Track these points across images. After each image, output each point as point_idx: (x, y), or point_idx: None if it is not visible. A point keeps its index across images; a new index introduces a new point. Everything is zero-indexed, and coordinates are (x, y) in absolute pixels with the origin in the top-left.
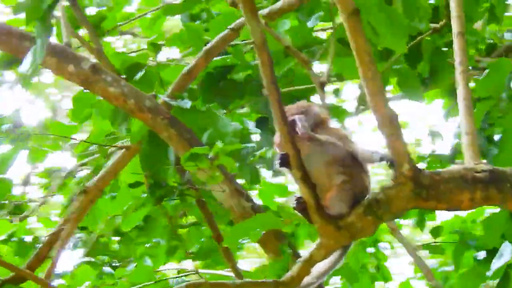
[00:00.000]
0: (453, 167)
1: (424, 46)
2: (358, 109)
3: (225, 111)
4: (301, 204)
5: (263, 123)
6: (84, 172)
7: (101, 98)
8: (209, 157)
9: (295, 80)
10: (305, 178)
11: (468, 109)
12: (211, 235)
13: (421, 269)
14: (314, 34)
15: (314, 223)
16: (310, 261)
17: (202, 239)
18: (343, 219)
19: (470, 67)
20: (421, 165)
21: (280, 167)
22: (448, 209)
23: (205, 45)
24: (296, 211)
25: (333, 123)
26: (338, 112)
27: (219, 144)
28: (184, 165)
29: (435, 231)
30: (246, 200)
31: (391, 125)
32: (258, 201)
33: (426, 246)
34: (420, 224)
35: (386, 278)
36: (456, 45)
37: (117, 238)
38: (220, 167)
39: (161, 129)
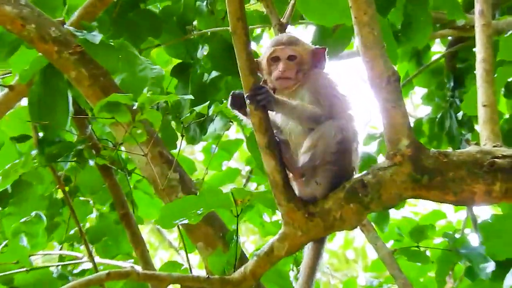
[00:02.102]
0: (466, 149)
1: None
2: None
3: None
4: (237, 99)
5: (183, 72)
6: None
7: None
8: (133, 108)
9: (249, 20)
10: (271, 147)
11: (488, 74)
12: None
13: (396, 280)
14: None
15: (278, 206)
16: (271, 256)
17: (93, 215)
18: (317, 204)
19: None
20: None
21: (232, 108)
22: (457, 203)
23: None
24: (232, 109)
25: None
26: None
27: (145, 92)
28: (98, 117)
29: (415, 233)
30: (174, 170)
31: (388, 88)
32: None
33: (404, 251)
34: (382, 221)
35: None
36: (478, 32)
37: None
38: (144, 123)
39: (67, 67)
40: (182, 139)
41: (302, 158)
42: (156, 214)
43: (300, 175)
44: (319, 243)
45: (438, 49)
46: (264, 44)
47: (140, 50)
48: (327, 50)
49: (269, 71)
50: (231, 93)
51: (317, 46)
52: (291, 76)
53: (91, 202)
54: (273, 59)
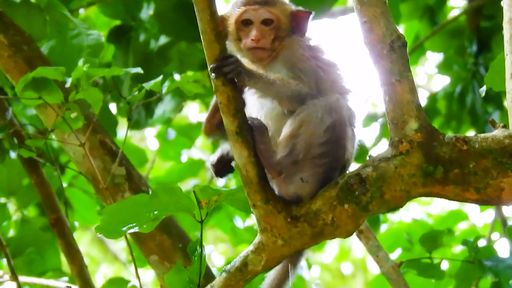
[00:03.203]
0: (491, 134)
1: None
2: None
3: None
4: (223, 162)
5: (122, 37)
6: None
7: None
8: (66, 86)
9: None
10: (243, 132)
11: None
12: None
13: None
14: None
15: (253, 208)
16: (244, 272)
17: (14, 218)
18: (302, 205)
19: None
20: None
21: (218, 177)
22: (480, 202)
23: None
24: (215, 175)
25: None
26: None
27: (81, 64)
28: (21, 97)
29: (428, 240)
30: (119, 163)
31: (391, 56)
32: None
33: (414, 264)
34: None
35: None
36: None
37: None
38: (80, 104)
39: None
40: (129, 124)
41: (280, 150)
42: (97, 219)
43: (277, 172)
44: (295, 256)
45: (457, 3)
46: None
47: (71, 10)
48: (312, 13)
49: (237, 36)
50: (211, 162)
51: (298, 8)
52: (266, 45)
53: (9, 205)
54: (244, 23)
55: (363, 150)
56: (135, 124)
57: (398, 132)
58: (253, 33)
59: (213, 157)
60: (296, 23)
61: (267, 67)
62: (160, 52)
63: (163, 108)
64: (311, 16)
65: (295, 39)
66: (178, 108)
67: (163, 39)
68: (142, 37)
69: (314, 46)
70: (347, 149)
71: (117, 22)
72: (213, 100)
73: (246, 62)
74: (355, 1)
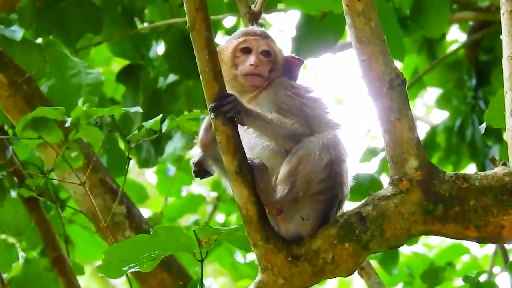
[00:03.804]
0: (491, 171)
1: None
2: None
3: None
4: (200, 166)
5: (131, 76)
6: None
7: None
8: (65, 125)
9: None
10: (244, 172)
11: None
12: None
13: None
14: None
15: (253, 247)
16: None
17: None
18: (302, 243)
19: None
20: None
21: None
22: (480, 239)
23: None
24: (194, 175)
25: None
26: None
27: (80, 103)
28: (21, 136)
29: (429, 276)
30: (119, 202)
31: (391, 94)
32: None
33: None
34: (388, 262)
35: None
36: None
37: None
38: (80, 143)
39: None
40: (128, 163)
41: (280, 188)
42: (98, 254)
43: (278, 211)
44: None
45: (456, 37)
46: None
47: (76, 50)
48: (304, 62)
49: (234, 63)
50: (193, 161)
51: (292, 55)
52: (263, 73)
53: (17, 245)
54: (243, 50)
55: (374, 183)
56: (144, 162)
57: (398, 170)
58: (253, 59)
59: (196, 157)
60: (289, 68)
61: (253, 99)
62: (169, 90)
63: (173, 146)
64: (302, 65)
65: (282, 80)
66: (189, 146)
67: (171, 77)
68: (151, 75)
69: (297, 85)
70: (345, 184)
71: (120, 60)
72: (206, 119)
73: (237, 90)
74: (354, 39)
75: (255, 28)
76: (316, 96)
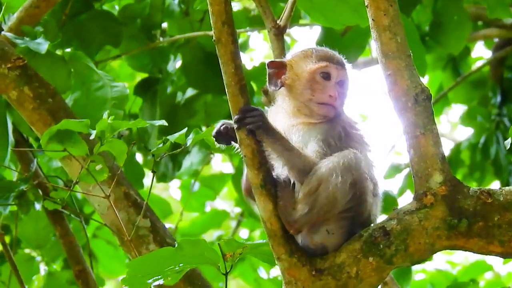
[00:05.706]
0: None
1: None
2: None
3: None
4: (227, 131)
5: (149, 90)
6: None
7: None
8: (90, 138)
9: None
10: (268, 186)
11: None
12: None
13: None
14: None
15: (277, 261)
16: None
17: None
18: (326, 258)
19: None
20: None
21: (217, 142)
22: (504, 255)
23: None
24: (216, 141)
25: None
26: None
27: (105, 116)
28: (45, 149)
29: None
30: (143, 215)
31: (416, 109)
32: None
33: None
34: (400, 278)
35: None
36: None
37: None
38: (104, 156)
39: (5, 85)
40: (153, 176)
41: (300, 207)
42: (122, 270)
43: (295, 230)
44: None
45: (481, 54)
46: (295, 49)
47: (96, 62)
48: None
49: (311, 87)
50: (216, 130)
51: None
52: (339, 107)
53: (38, 258)
54: (323, 76)
55: (389, 200)
56: (162, 177)
57: (422, 185)
58: (333, 90)
59: (226, 124)
60: None
61: (307, 127)
62: (187, 104)
63: (190, 160)
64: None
65: (344, 117)
66: (206, 160)
67: (189, 92)
68: (169, 90)
69: (354, 123)
70: (368, 202)
71: (142, 75)
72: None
73: (302, 112)
74: (379, 54)
75: (335, 54)
76: (363, 136)
